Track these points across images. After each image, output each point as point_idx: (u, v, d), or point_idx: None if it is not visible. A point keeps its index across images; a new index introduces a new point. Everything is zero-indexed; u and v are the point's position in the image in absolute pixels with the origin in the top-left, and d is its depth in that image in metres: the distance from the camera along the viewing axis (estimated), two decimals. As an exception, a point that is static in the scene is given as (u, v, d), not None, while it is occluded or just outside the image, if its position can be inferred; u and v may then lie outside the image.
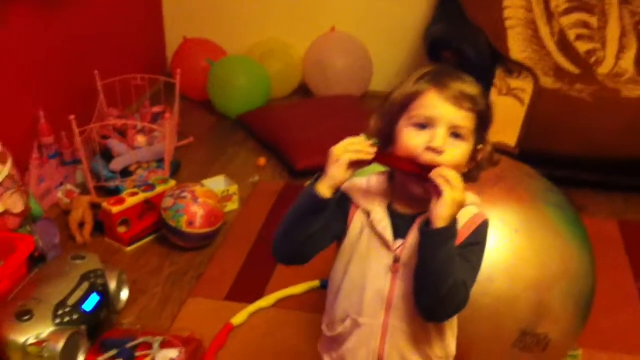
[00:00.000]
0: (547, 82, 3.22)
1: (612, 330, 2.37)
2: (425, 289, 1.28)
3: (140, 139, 3.25)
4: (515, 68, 3.31)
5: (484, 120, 1.31)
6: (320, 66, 4.06)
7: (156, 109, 3.52)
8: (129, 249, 2.78)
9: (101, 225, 2.84)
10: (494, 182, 1.85)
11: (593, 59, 3.43)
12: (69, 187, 3.07)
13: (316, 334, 1.51)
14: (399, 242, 1.32)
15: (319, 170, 1.29)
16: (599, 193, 3.23)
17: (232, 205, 3.05)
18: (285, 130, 3.56)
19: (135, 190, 2.84)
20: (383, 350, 1.36)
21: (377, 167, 1.34)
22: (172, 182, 2.91)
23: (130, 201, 2.78)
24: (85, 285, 2.22)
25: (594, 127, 3.09)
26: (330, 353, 1.46)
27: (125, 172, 3.15)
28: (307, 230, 1.29)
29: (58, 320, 2.07)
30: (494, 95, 3.13)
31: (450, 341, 1.42)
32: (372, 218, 1.33)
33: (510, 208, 1.84)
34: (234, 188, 3.06)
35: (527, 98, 3.15)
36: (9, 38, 2.83)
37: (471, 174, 1.35)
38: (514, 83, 3.22)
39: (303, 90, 4.24)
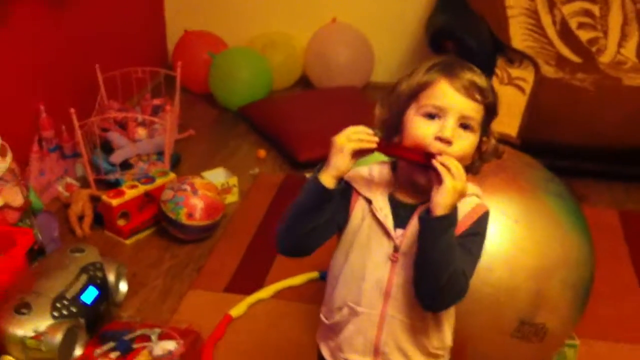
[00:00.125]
0: (549, 71, 3.20)
1: (611, 320, 2.37)
2: (424, 278, 1.27)
3: (141, 132, 3.24)
4: (516, 57, 3.30)
5: (490, 113, 1.31)
6: (321, 57, 4.05)
7: (157, 102, 3.52)
8: (129, 241, 2.78)
9: (101, 218, 2.84)
10: (495, 172, 1.83)
11: (595, 48, 3.41)
12: (68, 180, 3.07)
13: (315, 325, 1.51)
14: (400, 231, 1.31)
15: (321, 162, 1.28)
16: (600, 182, 3.22)
17: (232, 198, 3.05)
18: (287, 122, 3.55)
19: (135, 182, 2.84)
20: (380, 339, 1.35)
21: (376, 157, 1.33)
22: (172, 175, 2.91)
23: (130, 194, 2.77)
24: (84, 278, 2.21)
25: (596, 117, 3.08)
26: (327, 341, 1.45)
27: (126, 165, 3.15)
28: (312, 223, 1.29)
29: (56, 313, 2.07)
30: (494, 85, 3.11)
31: (447, 333, 1.41)
32: (374, 206, 1.32)
33: (510, 198, 1.83)
34: (234, 180, 3.06)
35: (528, 87, 3.13)
36: (9, 32, 2.82)
37: (474, 165, 1.34)
38: (515, 72, 3.20)
39: (305, 82, 4.23)
